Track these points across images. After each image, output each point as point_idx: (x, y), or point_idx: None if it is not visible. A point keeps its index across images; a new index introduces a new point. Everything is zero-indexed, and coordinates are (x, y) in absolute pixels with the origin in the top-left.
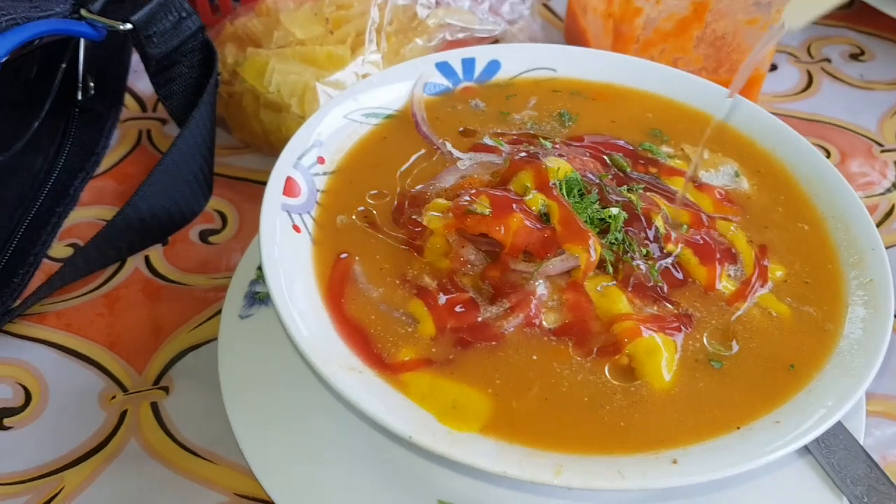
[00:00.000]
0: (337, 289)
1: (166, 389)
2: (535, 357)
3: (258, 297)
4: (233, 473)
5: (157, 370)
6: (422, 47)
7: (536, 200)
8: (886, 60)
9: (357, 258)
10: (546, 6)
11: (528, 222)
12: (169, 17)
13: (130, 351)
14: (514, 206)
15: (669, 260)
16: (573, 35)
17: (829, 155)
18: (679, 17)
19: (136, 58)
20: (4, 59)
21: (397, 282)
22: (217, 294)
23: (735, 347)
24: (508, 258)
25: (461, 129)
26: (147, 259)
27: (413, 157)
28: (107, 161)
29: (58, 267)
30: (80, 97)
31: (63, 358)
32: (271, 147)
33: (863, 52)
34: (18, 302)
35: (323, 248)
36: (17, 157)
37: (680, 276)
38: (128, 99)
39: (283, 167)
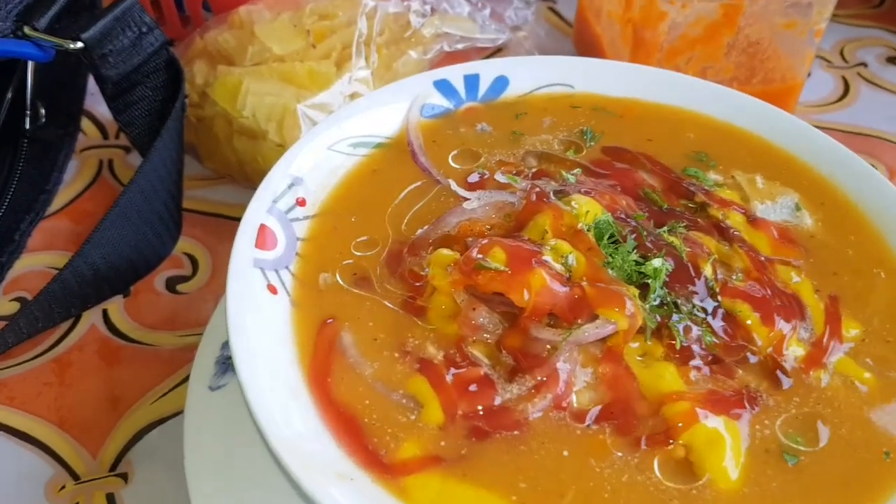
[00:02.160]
0: (322, 365)
1: (125, 477)
2: (566, 452)
3: (231, 362)
4: None
5: (114, 452)
6: (416, 61)
7: (559, 251)
8: None
9: (346, 325)
10: (552, 10)
11: (551, 281)
12: (127, 32)
13: (83, 429)
14: (535, 259)
15: (719, 319)
16: (585, 42)
17: None
18: (708, 21)
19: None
20: None
21: (395, 354)
22: (186, 355)
23: (823, 436)
24: (530, 323)
25: (455, 151)
26: (105, 313)
27: (408, 193)
28: (61, 198)
29: (0, 326)
30: (28, 126)
31: (4, 439)
32: (247, 178)
33: None
34: None
35: (305, 312)
36: None
37: (736, 338)
38: (86, 124)
39: (254, 213)
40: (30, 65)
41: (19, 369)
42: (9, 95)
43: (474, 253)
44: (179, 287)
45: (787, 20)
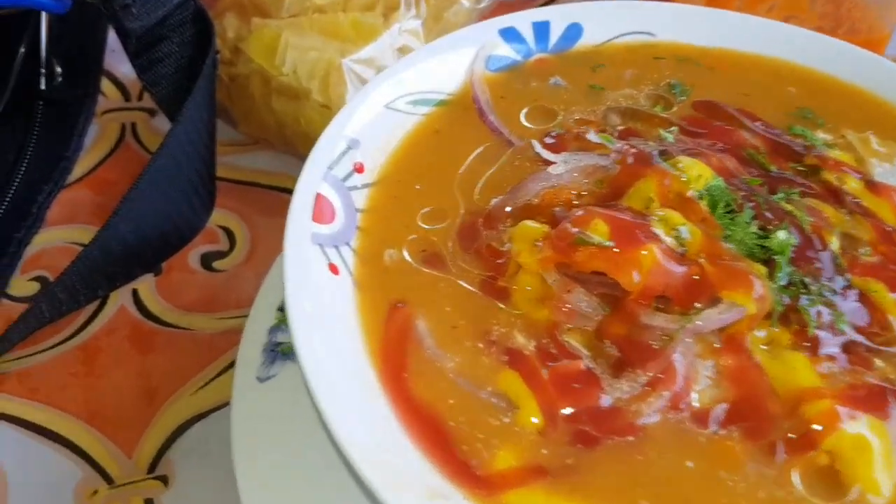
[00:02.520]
0: (396, 358)
1: (165, 479)
2: (690, 463)
3: (281, 350)
4: None
5: (151, 451)
6: (468, 10)
7: (670, 223)
8: None
9: (419, 310)
10: None
11: (665, 258)
12: None
13: (116, 425)
14: (644, 232)
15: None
16: None
17: None
18: None
19: (114, 34)
20: None
21: (479, 345)
22: (228, 340)
23: None
24: (638, 308)
25: (527, 109)
26: (135, 294)
27: (477, 156)
28: (81, 166)
29: (19, 309)
30: (43, 86)
31: (28, 439)
32: (287, 142)
33: None
34: None
35: (371, 294)
36: None
37: (872, 323)
38: (107, 86)
39: (309, 181)
40: (43, 17)
41: (42, 358)
42: (21, 50)
43: (570, 226)
44: (216, 264)
45: None
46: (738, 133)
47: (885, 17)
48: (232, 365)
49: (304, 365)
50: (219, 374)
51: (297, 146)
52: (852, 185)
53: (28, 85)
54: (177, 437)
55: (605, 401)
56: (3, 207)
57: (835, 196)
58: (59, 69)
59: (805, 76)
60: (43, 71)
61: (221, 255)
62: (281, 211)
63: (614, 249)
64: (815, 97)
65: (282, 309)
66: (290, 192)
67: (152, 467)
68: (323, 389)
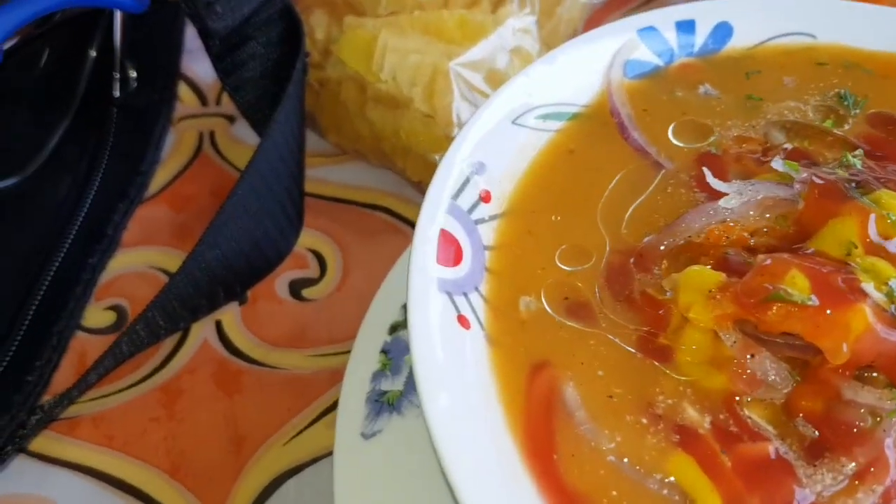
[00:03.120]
0: (542, 435)
1: None
2: None
3: (387, 399)
4: None
5: None
6: (583, 5)
7: (879, 275)
8: None
9: (566, 373)
10: None
11: (877, 322)
12: None
13: (201, 478)
14: (851, 289)
15: None
16: None
17: None
18: None
19: (190, 32)
20: (7, 45)
21: (643, 419)
22: (322, 380)
23: None
24: (839, 379)
25: (674, 124)
26: (218, 326)
27: (620, 181)
28: (157, 179)
29: (96, 344)
30: (117, 93)
31: (102, 491)
32: (383, 156)
33: None
34: (43, 402)
35: (506, 353)
36: (34, 180)
37: None
38: (183, 90)
39: (432, 215)
40: (117, 17)
41: (119, 399)
42: (92, 54)
43: (761, 278)
44: (305, 292)
45: None
46: None
47: None
48: (328, 410)
49: (441, 449)
50: (314, 422)
51: (395, 160)
52: None
53: (100, 91)
54: (269, 494)
55: (802, 496)
56: (76, 230)
57: None
58: (133, 73)
59: None
60: (117, 76)
61: (311, 282)
62: (377, 232)
63: (819, 309)
64: None
65: (385, 352)
66: (386, 210)
67: None
68: (458, 468)
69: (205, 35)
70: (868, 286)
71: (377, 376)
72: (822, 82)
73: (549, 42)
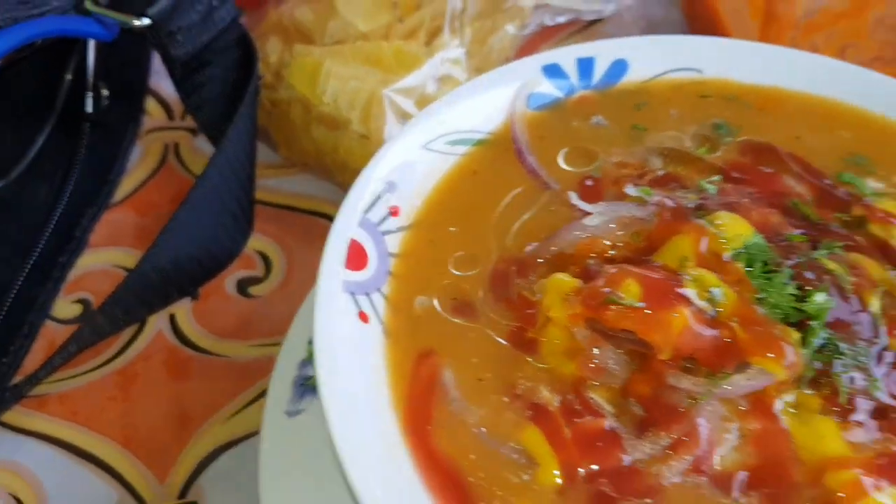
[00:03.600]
0: (420, 410)
1: None
2: None
3: (310, 384)
4: None
5: (183, 477)
6: (513, 36)
7: (703, 284)
8: None
9: (447, 360)
10: None
11: (696, 322)
12: (197, 6)
13: (151, 450)
14: (677, 295)
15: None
16: (697, 13)
17: None
18: None
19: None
20: None
21: (504, 398)
22: (260, 368)
23: None
24: (665, 368)
25: (566, 150)
26: (172, 319)
27: (513, 199)
28: (124, 187)
29: (63, 332)
30: (90, 109)
31: (67, 460)
32: (326, 171)
33: None
34: (15, 382)
35: (399, 343)
36: (14, 186)
37: None
38: (150, 104)
39: (344, 226)
40: (91, 44)
41: (82, 381)
42: (68, 77)
43: (601, 284)
44: (251, 289)
45: None
46: (783, 180)
47: None
48: (263, 394)
49: (329, 415)
50: (250, 403)
51: (335, 174)
52: None
53: (75, 107)
54: (207, 464)
55: (627, 461)
56: (48, 231)
57: (881, 250)
58: (105, 92)
59: (860, 118)
60: (90, 94)
61: (257, 280)
62: (318, 237)
63: (645, 311)
64: (869, 142)
65: (312, 343)
66: (327, 217)
67: (183, 493)
68: (344, 438)
69: (167, 60)
70: (690, 292)
71: (304, 364)
72: (704, 113)
73: (482, 69)
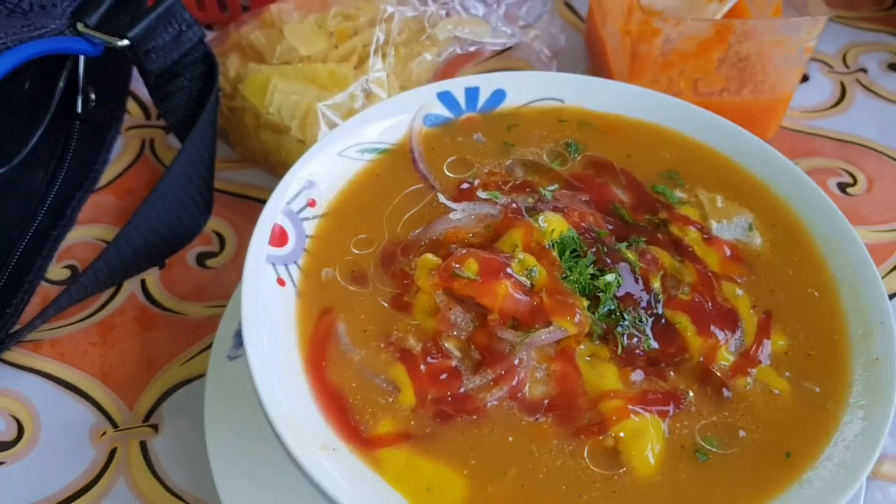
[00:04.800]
0: (318, 350)
1: (156, 428)
2: (511, 438)
3: None
4: None
5: (147, 406)
6: (430, 62)
7: (525, 265)
8: None
9: (342, 315)
10: (568, 5)
11: (514, 291)
12: (169, 29)
13: (122, 384)
14: (503, 272)
15: (660, 328)
16: (592, 42)
17: (855, 182)
18: (700, 38)
19: None
20: None
21: (381, 344)
22: (211, 324)
23: (736, 440)
24: (495, 325)
25: (451, 159)
26: (143, 283)
27: (406, 196)
28: (107, 175)
29: (54, 291)
30: (80, 109)
31: (56, 390)
32: (270, 167)
33: None
34: (16, 329)
35: (307, 302)
36: (17, 171)
37: (673, 346)
38: (131, 105)
39: (270, 214)
40: (81, 56)
41: (69, 329)
42: (61, 84)
43: (452, 262)
44: (208, 262)
45: (776, 38)
46: (612, 189)
47: (786, 80)
48: (211, 345)
49: (249, 354)
50: (201, 351)
51: (278, 170)
52: (692, 236)
53: (67, 107)
54: (167, 397)
55: (462, 389)
56: (44, 210)
57: (675, 245)
58: (92, 95)
59: (678, 142)
60: (80, 97)
61: (213, 255)
62: None
63: (479, 282)
64: (683, 161)
65: None
66: None
67: (147, 417)
68: (258, 370)
69: (143, 73)
70: (513, 271)
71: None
72: (560, 134)
73: (405, 87)
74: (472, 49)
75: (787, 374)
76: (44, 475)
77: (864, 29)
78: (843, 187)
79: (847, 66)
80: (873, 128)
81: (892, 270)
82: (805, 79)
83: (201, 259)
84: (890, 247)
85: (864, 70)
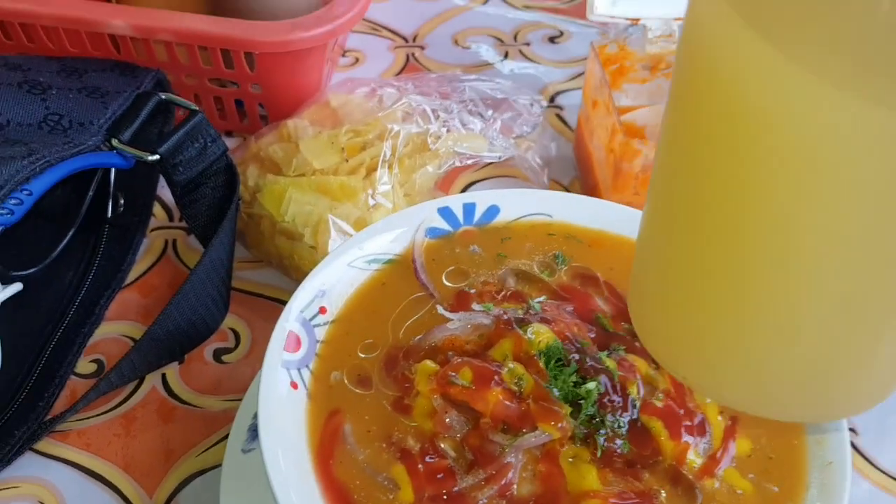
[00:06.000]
0: (327, 449)
1: None
2: None
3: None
4: None
5: (165, 494)
6: (432, 174)
7: (514, 374)
8: None
9: (348, 416)
10: (559, 116)
11: (504, 398)
12: (195, 144)
13: (143, 473)
14: (494, 380)
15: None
16: (580, 153)
17: None
18: None
19: None
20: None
21: (383, 445)
22: (226, 416)
23: None
24: (487, 429)
25: (450, 269)
26: (164, 377)
27: (408, 303)
28: (132, 273)
29: (81, 384)
30: (109, 214)
31: (82, 478)
32: (284, 270)
33: None
34: (45, 419)
35: (317, 403)
36: (49, 271)
37: (648, 448)
38: (156, 208)
39: (286, 322)
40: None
41: (95, 421)
42: (91, 193)
43: (449, 371)
44: (224, 357)
45: None
46: (594, 299)
47: None
48: (227, 437)
49: (265, 453)
50: (217, 443)
51: (291, 274)
52: None
53: (97, 211)
54: (184, 486)
55: (457, 488)
56: (74, 307)
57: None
58: (121, 200)
59: None
60: (110, 202)
61: (229, 350)
62: (276, 319)
63: (473, 389)
64: None
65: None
66: (284, 303)
67: None
68: (273, 468)
69: (170, 184)
70: (504, 379)
71: (256, 416)
72: (549, 246)
73: (410, 194)
74: (469, 162)
75: (751, 475)
76: None
77: None
78: None
79: None
80: None
81: None
82: None
83: (217, 354)
84: None
85: None
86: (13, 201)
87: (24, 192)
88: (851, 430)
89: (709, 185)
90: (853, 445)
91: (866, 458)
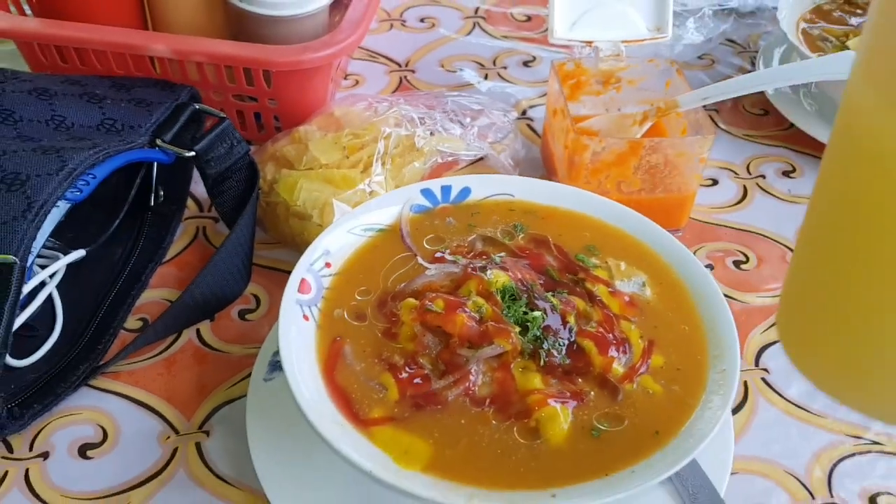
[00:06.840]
0: (331, 363)
1: (207, 433)
2: (463, 420)
3: (279, 364)
4: (254, 498)
5: (201, 417)
6: (418, 169)
7: (477, 304)
8: (813, 176)
9: (347, 341)
10: (529, 126)
11: (469, 321)
12: (224, 144)
13: (182, 402)
14: (461, 308)
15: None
16: (545, 153)
17: (747, 260)
18: (619, 152)
19: (196, 171)
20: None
21: (375, 360)
22: (249, 360)
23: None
24: (455, 345)
25: (429, 236)
26: (198, 331)
27: (396, 261)
28: (171, 252)
29: (132, 337)
30: (152, 203)
31: (131, 407)
32: (297, 247)
33: (794, 170)
34: (102, 362)
35: (323, 332)
36: (102, 248)
37: (583, 361)
38: (189, 202)
39: (299, 271)
40: (155, 162)
41: (142, 364)
42: (136, 186)
43: (426, 302)
44: (247, 316)
45: (678, 151)
46: (546, 257)
47: (689, 182)
48: (249, 375)
49: (285, 364)
50: (242, 379)
51: (302, 249)
52: (601, 290)
53: (141, 201)
54: (216, 411)
55: (431, 389)
56: (123, 277)
57: (588, 295)
58: (161, 192)
59: (596, 225)
60: (153, 194)
61: (251, 311)
62: None
63: (445, 315)
64: (599, 238)
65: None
66: None
67: (201, 426)
68: (291, 374)
69: (203, 176)
70: (468, 309)
71: (275, 354)
72: (510, 219)
73: (399, 186)
74: (450, 159)
75: (662, 381)
76: (122, 467)
77: (766, 144)
78: (737, 264)
79: (749, 173)
80: (768, 220)
81: (771, 325)
82: (715, 182)
83: (242, 314)
84: (771, 308)
85: (763, 176)
86: (82, 182)
87: (90, 176)
88: (764, 369)
89: (869, 232)
90: (765, 381)
91: (776, 391)
